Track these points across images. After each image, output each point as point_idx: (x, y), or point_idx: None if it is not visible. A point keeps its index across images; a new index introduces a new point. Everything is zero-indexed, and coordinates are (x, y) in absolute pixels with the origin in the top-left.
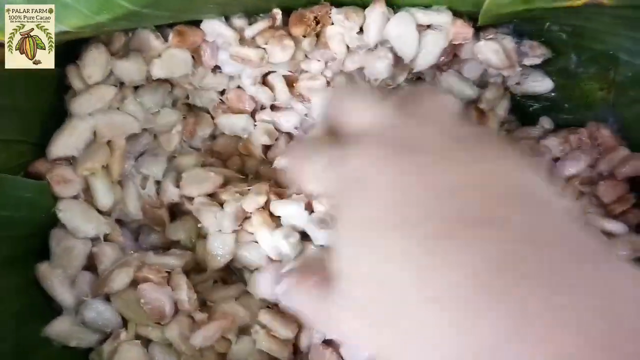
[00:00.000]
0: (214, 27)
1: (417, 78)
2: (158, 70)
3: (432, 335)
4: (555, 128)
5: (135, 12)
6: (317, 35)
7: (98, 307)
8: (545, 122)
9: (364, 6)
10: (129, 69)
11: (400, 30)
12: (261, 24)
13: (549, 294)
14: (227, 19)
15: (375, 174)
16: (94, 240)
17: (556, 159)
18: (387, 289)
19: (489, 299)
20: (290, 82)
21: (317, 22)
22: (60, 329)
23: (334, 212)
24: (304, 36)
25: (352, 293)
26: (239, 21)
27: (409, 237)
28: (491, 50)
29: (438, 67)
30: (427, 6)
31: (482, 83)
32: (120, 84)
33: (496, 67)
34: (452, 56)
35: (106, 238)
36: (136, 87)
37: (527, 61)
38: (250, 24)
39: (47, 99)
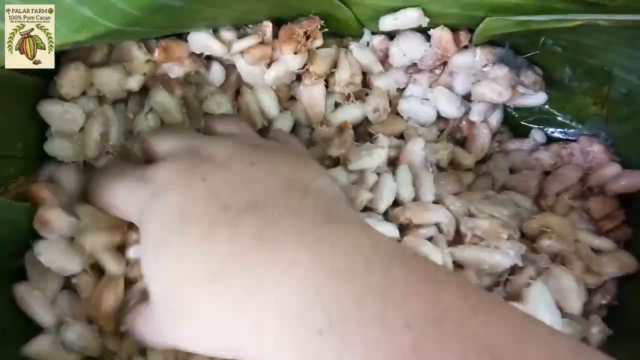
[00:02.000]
0: (201, 40)
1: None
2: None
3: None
4: (547, 141)
5: (118, 30)
6: (308, 51)
7: (78, 330)
8: (538, 135)
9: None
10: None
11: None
12: (250, 40)
13: (279, 254)
14: (215, 31)
15: (171, 185)
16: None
17: (547, 173)
18: (180, 284)
19: (241, 267)
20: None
21: (308, 37)
22: (39, 348)
23: (141, 226)
24: (295, 53)
25: (157, 296)
26: (227, 34)
27: (189, 233)
28: (489, 91)
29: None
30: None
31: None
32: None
33: (490, 100)
34: (440, 64)
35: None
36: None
37: (522, 90)
38: (239, 36)
39: (26, 109)
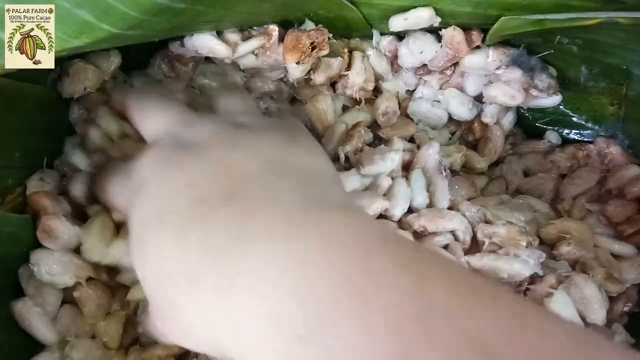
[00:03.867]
0: (205, 42)
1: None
2: None
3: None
4: (562, 143)
5: (118, 35)
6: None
7: (87, 346)
8: (552, 137)
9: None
10: None
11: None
12: (256, 42)
13: (250, 252)
14: (219, 33)
15: (151, 177)
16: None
17: (563, 176)
18: (162, 286)
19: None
20: None
21: (313, 48)
22: None
23: (128, 221)
24: (298, 63)
25: (148, 296)
26: (232, 36)
27: (165, 234)
28: (502, 94)
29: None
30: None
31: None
32: None
33: (503, 104)
34: (451, 65)
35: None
36: None
37: (535, 92)
38: (244, 38)
39: (24, 119)
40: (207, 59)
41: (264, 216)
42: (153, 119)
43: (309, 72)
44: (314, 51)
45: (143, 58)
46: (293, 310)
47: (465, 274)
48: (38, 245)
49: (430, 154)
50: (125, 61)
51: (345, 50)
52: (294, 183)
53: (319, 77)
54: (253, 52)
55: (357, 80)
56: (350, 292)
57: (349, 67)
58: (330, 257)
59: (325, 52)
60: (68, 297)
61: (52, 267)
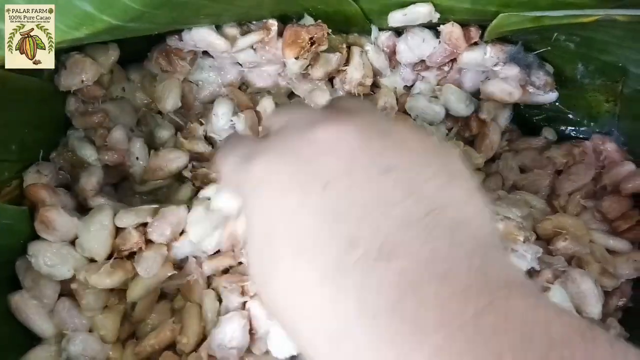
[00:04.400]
0: (203, 36)
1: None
2: None
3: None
4: (559, 140)
5: (118, 27)
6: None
7: (84, 339)
8: (549, 133)
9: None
10: None
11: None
12: (254, 36)
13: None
14: (218, 28)
15: (269, 183)
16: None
17: (559, 172)
18: (294, 309)
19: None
20: None
21: (312, 44)
22: (39, 359)
23: (246, 218)
24: (297, 58)
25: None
26: (231, 30)
27: (304, 274)
28: (499, 90)
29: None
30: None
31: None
32: None
33: (500, 100)
34: (449, 61)
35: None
36: None
37: (532, 89)
38: (243, 33)
39: (22, 112)
40: (205, 53)
41: (434, 293)
42: (283, 114)
43: (307, 67)
44: (313, 46)
45: (141, 51)
46: None
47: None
48: (35, 237)
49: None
50: (123, 54)
51: (344, 45)
52: (471, 245)
53: (317, 72)
54: (252, 47)
55: (355, 75)
56: None
57: (347, 62)
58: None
59: (324, 47)
60: (65, 290)
61: (51, 258)
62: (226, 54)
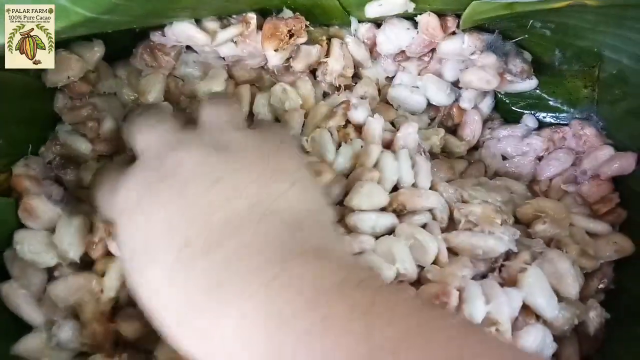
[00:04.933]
0: (183, 30)
1: None
2: None
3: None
4: (539, 126)
5: (93, 19)
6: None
7: (70, 329)
8: (529, 121)
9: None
10: None
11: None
12: (234, 30)
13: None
14: (198, 22)
15: (135, 207)
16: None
17: (540, 158)
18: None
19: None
20: None
21: (291, 36)
22: (30, 346)
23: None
24: (276, 50)
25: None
26: (210, 24)
27: (153, 273)
28: (477, 79)
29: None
30: None
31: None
32: None
33: (478, 88)
34: (428, 51)
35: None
36: None
37: (510, 77)
38: (222, 27)
39: (10, 108)
40: (189, 48)
41: (238, 271)
42: (143, 134)
43: (288, 60)
44: (292, 39)
45: (127, 48)
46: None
47: (414, 316)
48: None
49: (410, 133)
50: (109, 51)
51: (324, 37)
52: (274, 228)
53: (298, 65)
54: (232, 40)
55: (335, 66)
56: (307, 341)
57: (328, 54)
58: (294, 311)
59: (303, 39)
60: (52, 278)
61: (35, 245)
62: (208, 48)
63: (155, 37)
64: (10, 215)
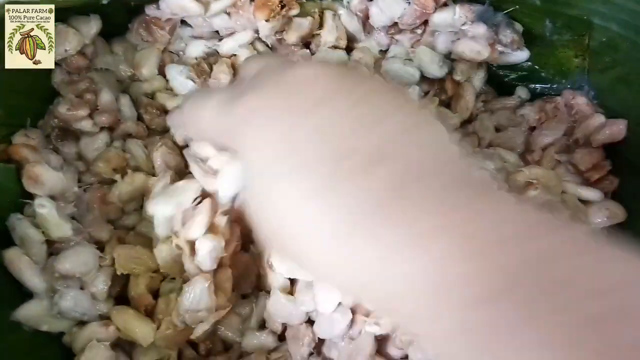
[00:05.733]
0: (177, 1)
1: None
2: None
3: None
4: (532, 98)
5: None
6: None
7: (75, 296)
8: (522, 92)
9: None
10: None
11: None
12: (227, 0)
13: (430, 216)
14: None
15: (271, 117)
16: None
17: (532, 128)
18: (290, 224)
19: (376, 223)
20: None
21: (283, 7)
22: (30, 313)
23: (235, 153)
24: (267, 20)
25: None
26: None
27: (302, 185)
28: (468, 49)
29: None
30: None
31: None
32: None
33: (470, 59)
34: (421, 23)
35: None
36: None
37: (501, 48)
38: None
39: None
40: (184, 23)
41: (426, 184)
42: (256, 60)
43: (281, 32)
44: (284, 9)
45: (124, 25)
46: (465, 284)
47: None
48: (24, 195)
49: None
50: (107, 28)
51: (316, 10)
52: (445, 154)
53: (291, 37)
54: (226, 12)
55: (328, 38)
56: (526, 278)
57: (321, 27)
58: (501, 239)
59: (296, 11)
60: (55, 249)
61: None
62: (202, 20)
63: (150, 10)
64: (12, 182)
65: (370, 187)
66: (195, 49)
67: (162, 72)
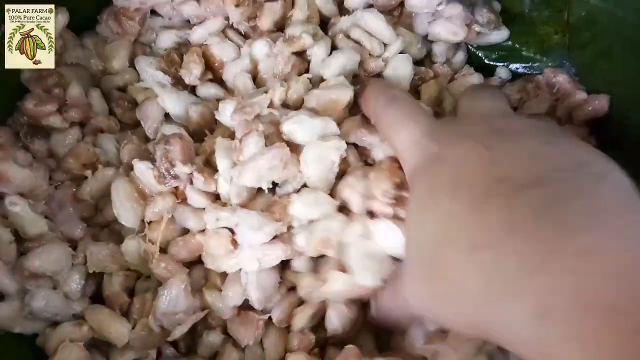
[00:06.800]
0: None
1: None
2: None
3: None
4: (513, 78)
5: None
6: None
7: (47, 296)
8: (503, 73)
9: None
10: None
11: None
12: None
13: (570, 236)
14: None
15: (454, 149)
16: None
17: (514, 109)
18: (441, 248)
19: (517, 241)
20: None
21: None
22: (2, 315)
23: (412, 184)
24: (237, 6)
25: (412, 257)
26: None
27: (459, 201)
28: (444, 30)
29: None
30: None
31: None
32: None
33: (446, 40)
34: (398, 5)
35: None
36: None
37: (478, 28)
38: None
39: None
40: (154, 13)
41: (583, 207)
42: (485, 98)
43: (254, 19)
44: None
45: (93, 18)
46: (629, 305)
47: None
48: None
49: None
50: (75, 21)
51: None
52: (613, 187)
53: (265, 23)
54: None
55: (300, 17)
56: None
57: (293, 7)
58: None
59: None
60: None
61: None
62: (170, 8)
63: (119, 1)
64: None
65: (514, 207)
66: (166, 40)
67: (133, 65)
